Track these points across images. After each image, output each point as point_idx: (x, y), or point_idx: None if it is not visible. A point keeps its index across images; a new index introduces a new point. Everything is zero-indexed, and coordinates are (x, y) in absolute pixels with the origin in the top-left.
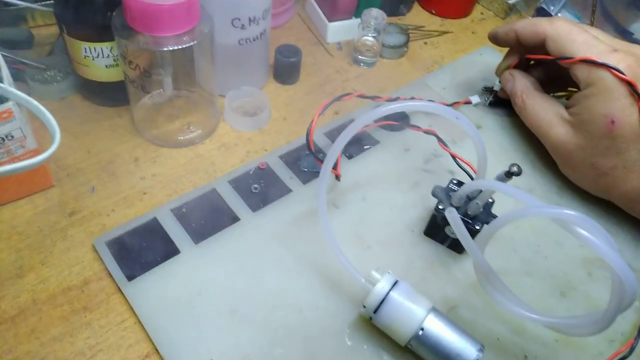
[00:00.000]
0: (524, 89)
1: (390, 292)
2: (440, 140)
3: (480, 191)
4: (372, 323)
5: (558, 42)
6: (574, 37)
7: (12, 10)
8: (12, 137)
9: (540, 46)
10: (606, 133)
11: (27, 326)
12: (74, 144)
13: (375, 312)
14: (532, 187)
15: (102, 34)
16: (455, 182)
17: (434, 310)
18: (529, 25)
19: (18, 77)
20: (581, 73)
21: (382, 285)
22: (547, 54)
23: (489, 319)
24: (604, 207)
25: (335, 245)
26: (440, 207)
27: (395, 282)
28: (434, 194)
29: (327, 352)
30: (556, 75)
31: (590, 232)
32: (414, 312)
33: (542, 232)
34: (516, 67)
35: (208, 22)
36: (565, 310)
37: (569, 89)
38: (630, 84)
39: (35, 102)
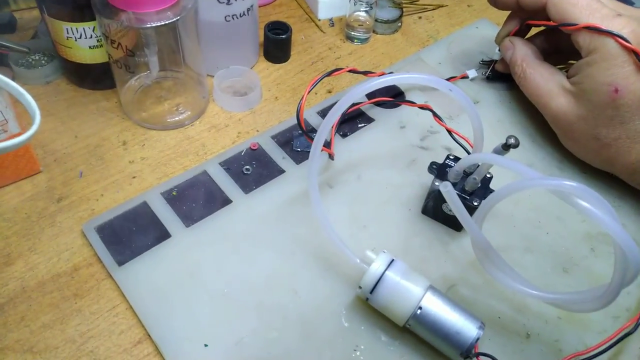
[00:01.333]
0: (524, 57)
1: (386, 272)
2: (436, 115)
3: (477, 166)
4: (369, 304)
5: (559, 5)
6: (576, 0)
7: None
8: None
9: (541, 11)
10: (609, 102)
11: (17, 314)
12: (61, 128)
13: (371, 292)
14: (531, 161)
15: (83, 13)
16: (451, 157)
17: (432, 288)
18: None
19: (1, 61)
20: (583, 39)
21: (378, 265)
22: (548, 21)
23: (489, 296)
24: (606, 181)
25: (328, 225)
26: (436, 183)
27: (391, 262)
28: (430, 171)
29: (324, 333)
30: (556, 46)
31: (592, 204)
32: (411, 291)
33: (542, 207)
34: (516, 34)
35: None
36: (568, 287)
37: (569, 62)
38: (635, 53)
39: (13, 83)
